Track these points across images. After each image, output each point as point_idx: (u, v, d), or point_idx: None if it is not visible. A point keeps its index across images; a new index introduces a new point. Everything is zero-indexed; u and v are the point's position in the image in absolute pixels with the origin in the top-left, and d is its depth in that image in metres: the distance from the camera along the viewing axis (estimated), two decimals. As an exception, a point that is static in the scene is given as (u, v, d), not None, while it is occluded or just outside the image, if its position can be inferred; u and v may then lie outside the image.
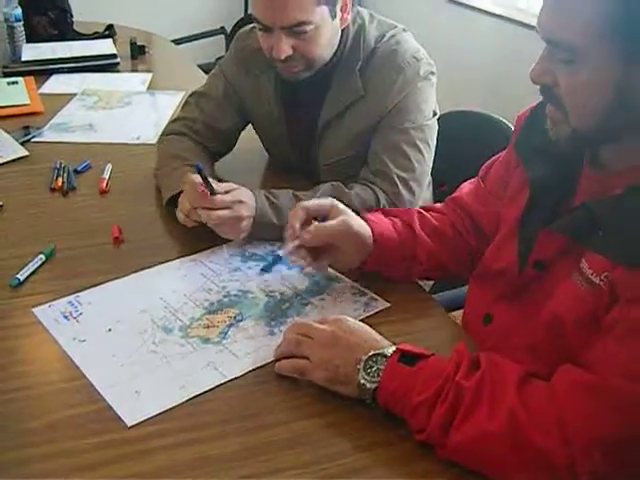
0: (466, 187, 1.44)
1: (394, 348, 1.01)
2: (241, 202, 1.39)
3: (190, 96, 1.76)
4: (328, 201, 1.30)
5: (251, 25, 1.70)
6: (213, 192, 1.34)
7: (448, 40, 1.54)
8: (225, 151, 1.74)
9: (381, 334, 1.08)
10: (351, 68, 1.55)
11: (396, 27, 1.60)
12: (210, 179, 1.35)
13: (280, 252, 1.23)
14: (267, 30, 1.45)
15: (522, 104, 1.25)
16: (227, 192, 1.38)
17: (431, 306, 1.32)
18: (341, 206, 1.29)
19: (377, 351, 1.01)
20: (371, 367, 1.00)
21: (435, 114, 1.61)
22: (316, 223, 1.27)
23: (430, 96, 1.59)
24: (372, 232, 1.29)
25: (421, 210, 1.41)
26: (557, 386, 0.93)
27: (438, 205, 1.45)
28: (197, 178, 1.34)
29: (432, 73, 1.58)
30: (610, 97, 0.95)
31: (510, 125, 1.83)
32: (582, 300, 1.00)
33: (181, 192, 1.43)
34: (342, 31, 1.53)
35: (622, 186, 0.98)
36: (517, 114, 1.27)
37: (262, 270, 1.33)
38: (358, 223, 1.28)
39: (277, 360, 1.11)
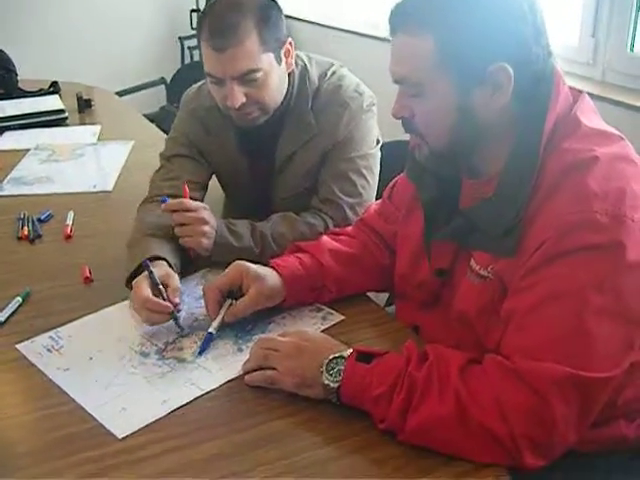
0: (372, 208, 1.57)
1: (351, 350, 1.14)
2: (205, 221, 1.52)
3: (161, 159, 1.81)
4: (236, 273, 1.37)
5: (196, 86, 1.83)
6: (161, 295, 1.36)
7: (380, 76, 1.69)
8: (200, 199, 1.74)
9: (338, 343, 1.21)
10: (303, 108, 1.68)
11: (334, 64, 1.75)
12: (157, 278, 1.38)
13: (211, 329, 1.31)
14: (219, 83, 1.56)
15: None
16: (196, 210, 1.52)
17: (382, 316, 1.45)
18: (249, 269, 1.36)
19: (336, 354, 1.14)
20: (333, 368, 1.12)
21: (378, 142, 1.76)
22: (235, 303, 1.35)
23: (373, 126, 1.74)
24: (281, 277, 1.38)
25: (332, 236, 1.53)
26: (488, 370, 1.06)
27: (349, 228, 1.57)
28: (146, 291, 1.35)
29: (373, 104, 1.73)
30: (454, 117, 1.12)
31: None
32: (478, 294, 1.17)
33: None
34: (289, 75, 1.66)
35: (491, 189, 1.15)
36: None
37: (200, 353, 1.29)
38: (269, 283, 1.36)
39: (246, 373, 1.22)
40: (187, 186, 1.65)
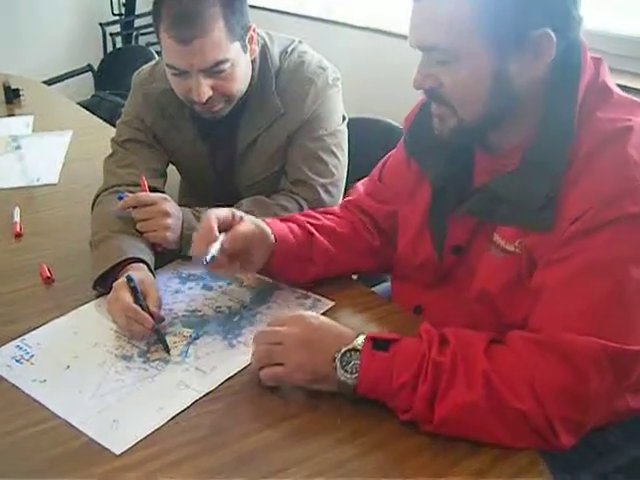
0: (361, 188, 1.47)
1: (363, 337, 1.05)
2: (167, 213, 1.41)
3: (113, 144, 1.67)
4: (228, 211, 1.28)
5: (148, 67, 1.69)
6: (142, 307, 1.23)
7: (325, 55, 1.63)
8: (162, 189, 1.62)
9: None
10: (266, 90, 1.57)
11: (294, 41, 1.65)
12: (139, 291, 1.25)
13: (207, 257, 1.18)
14: (182, 74, 1.44)
15: (396, 103, 1.32)
16: (155, 203, 1.42)
17: (373, 299, 1.37)
18: (239, 212, 1.30)
19: (349, 346, 1.04)
20: (348, 362, 1.03)
21: (344, 119, 1.67)
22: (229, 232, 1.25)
23: (339, 102, 1.65)
24: (273, 234, 1.30)
25: (316, 213, 1.43)
26: (516, 348, 1.00)
27: (335, 208, 1.48)
28: (127, 298, 1.23)
29: (338, 79, 1.64)
30: (489, 85, 1.04)
31: (390, 122, 1.96)
32: (502, 268, 1.10)
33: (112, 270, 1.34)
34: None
35: (513, 163, 1.08)
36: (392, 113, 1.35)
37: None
38: (262, 224, 1.30)
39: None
40: (144, 174, 1.54)
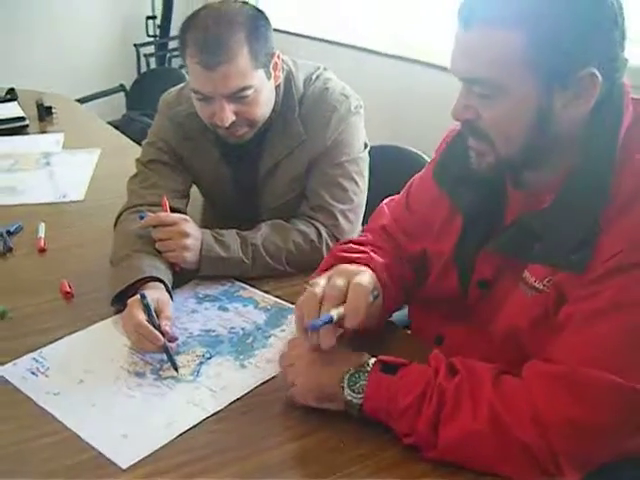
0: (387, 211, 1.41)
1: (374, 360, 1.07)
2: (186, 234, 1.43)
3: (138, 164, 1.70)
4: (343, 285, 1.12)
5: (175, 90, 1.73)
6: (155, 325, 1.24)
7: (350, 82, 1.65)
8: (184, 210, 1.65)
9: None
10: (289, 115, 1.59)
11: (319, 67, 1.68)
12: (153, 310, 1.26)
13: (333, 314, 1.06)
14: (207, 99, 1.47)
15: (426, 133, 1.30)
16: (176, 223, 1.43)
17: (393, 328, 1.36)
18: (352, 281, 1.12)
19: (358, 367, 1.06)
20: (355, 383, 1.05)
21: (366, 146, 1.69)
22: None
23: (361, 129, 1.66)
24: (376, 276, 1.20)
25: (369, 246, 1.34)
26: (527, 378, 1.00)
27: (371, 238, 1.37)
28: (140, 315, 1.25)
29: (361, 107, 1.66)
30: (532, 122, 1.02)
31: (412, 150, 1.96)
32: (531, 306, 1.09)
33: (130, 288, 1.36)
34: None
35: (548, 200, 1.07)
36: (416, 140, 1.32)
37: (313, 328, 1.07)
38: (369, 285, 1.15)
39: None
40: (167, 195, 1.57)
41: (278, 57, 1.54)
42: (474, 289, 1.20)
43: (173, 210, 1.54)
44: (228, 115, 1.46)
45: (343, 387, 1.05)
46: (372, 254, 1.28)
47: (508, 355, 1.11)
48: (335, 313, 1.06)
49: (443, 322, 1.28)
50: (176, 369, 1.20)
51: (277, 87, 1.58)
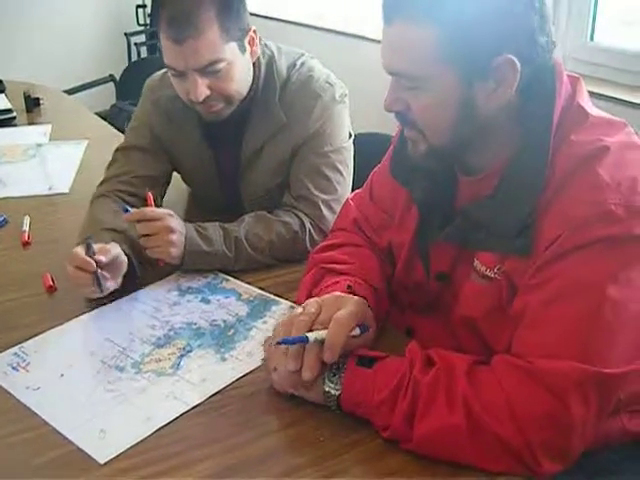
0: (353, 205, 1.42)
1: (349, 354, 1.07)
2: (172, 229, 1.43)
3: (116, 152, 1.73)
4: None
5: (160, 73, 1.73)
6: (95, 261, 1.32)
7: (336, 68, 1.64)
8: (158, 196, 1.69)
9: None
10: (269, 99, 1.60)
11: (303, 54, 1.68)
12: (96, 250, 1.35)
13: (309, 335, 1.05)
14: (181, 75, 1.48)
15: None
16: (161, 218, 1.43)
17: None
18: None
19: (340, 360, 1.06)
20: (334, 374, 1.05)
21: (350, 135, 1.68)
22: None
23: (345, 119, 1.66)
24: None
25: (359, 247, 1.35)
26: (497, 373, 1.01)
27: (346, 238, 1.37)
28: (79, 249, 1.35)
29: (345, 95, 1.65)
30: (456, 112, 1.05)
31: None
32: (484, 296, 1.10)
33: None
34: (254, 64, 1.58)
35: (491, 186, 1.09)
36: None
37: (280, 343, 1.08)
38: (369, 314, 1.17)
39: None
40: (140, 180, 1.62)
41: (254, 32, 1.54)
42: (433, 281, 1.21)
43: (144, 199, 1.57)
44: (201, 90, 1.47)
45: (323, 378, 1.05)
46: (357, 264, 1.27)
47: (471, 345, 1.13)
48: (313, 335, 1.05)
49: (413, 313, 1.29)
50: (101, 290, 1.33)
51: (257, 69, 1.59)
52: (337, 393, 1.04)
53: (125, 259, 1.41)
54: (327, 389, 1.05)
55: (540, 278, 1.00)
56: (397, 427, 1.00)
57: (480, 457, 0.97)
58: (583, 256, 0.97)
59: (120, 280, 1.39)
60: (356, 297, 1.14)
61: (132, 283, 1.43)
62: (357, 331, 1.10)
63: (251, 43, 1.54)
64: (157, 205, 1.54)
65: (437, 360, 1.03)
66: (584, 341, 0.96)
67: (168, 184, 1.74)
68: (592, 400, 0.96)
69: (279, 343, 1.07)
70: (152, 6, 1.57)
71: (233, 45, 1.48)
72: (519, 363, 0.99)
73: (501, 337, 1.07)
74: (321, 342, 1.05)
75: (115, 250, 1.39)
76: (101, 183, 1.69)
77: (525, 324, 1.02)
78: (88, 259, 1.31)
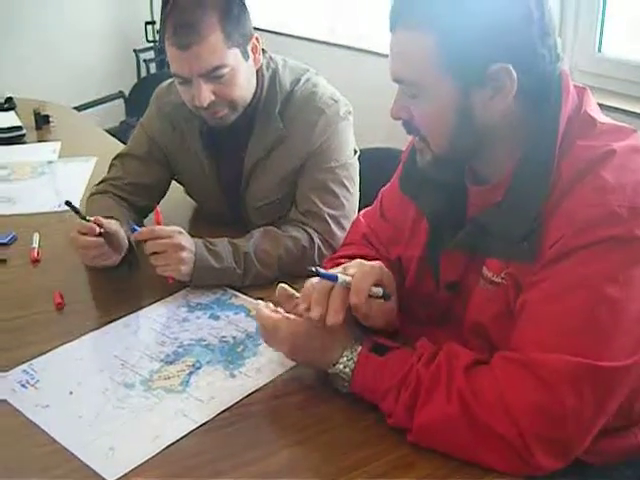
0: (366, 226, 1.41)
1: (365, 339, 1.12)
2: (181, 247, 1.43)
3: (114, 158, 1.80)
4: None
5: (168, 81, 1.75)
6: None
7: (341, 82, 1.65)
8: (152, 205, 1.73)
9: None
10: (271, 111, 1.61)
11: (309, 70, 1.69)
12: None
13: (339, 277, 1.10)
14: (187, 82, 1.50)
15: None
16: (170, 236, 1.43)
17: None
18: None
19: (356, 342, 1.11)
20: (347, 357, 1.10)
21: (355, 152, 1.69)
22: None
23: (350, 135, 1.67)
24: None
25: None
26: (494, 367, 1.02)
27: (357, 250, 1.38)
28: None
29: (349, 113, 1.66)
30: (455, 120, 1.06)
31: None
32: (491, 301, 1.11)
33: None
34: (258, 75, 1.60)
35: (500, 194, 1.09)
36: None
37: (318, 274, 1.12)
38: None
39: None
40: (132, 187, 1.69)
41: (257, 40, 1.57)
42: (443, 292, 1.22)
43: (137, 206, 1.66)
44: (205, 94, 1.49)
45: (341, 355, 1.10)
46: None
47: (483, 353, 1.12)
48: (342, 277, 1.10)
49: (425, 324, 1.28)
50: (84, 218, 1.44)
51: (260, 80, 1.61)
52: (348, 371, 1.09)
53: (125, 239, 1.47)
54: (341, 367, 1.10)
55: (541, 275, 1.02)
56: (399, 416, 1.04)
57: (477, 450, 0.99)
58: (585, 255, 0.98)
59: (120, 257, 1.47)
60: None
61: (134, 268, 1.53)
62: (380, 291, 1.13)
63: (254, 50, 1.57)
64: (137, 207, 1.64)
65: (442, 354, 1.05)
66: (578, 337, 0.97)
67: (164, 194, 1.78)
68: (586, 392, 0.96)
69: (311, 271, 1.09)
70: (160, 20, 1.63)
71: (236, 51, 1.51)
72: (514, 356, 1.00)
73: (510, 342, 1.07)
74: (347, 287, 1.09)
75: (115, 225, 1.45)
76: (98, 184, 1.76)
77: (523, 319, 1.03)
78: (90, 224, 1.41)
